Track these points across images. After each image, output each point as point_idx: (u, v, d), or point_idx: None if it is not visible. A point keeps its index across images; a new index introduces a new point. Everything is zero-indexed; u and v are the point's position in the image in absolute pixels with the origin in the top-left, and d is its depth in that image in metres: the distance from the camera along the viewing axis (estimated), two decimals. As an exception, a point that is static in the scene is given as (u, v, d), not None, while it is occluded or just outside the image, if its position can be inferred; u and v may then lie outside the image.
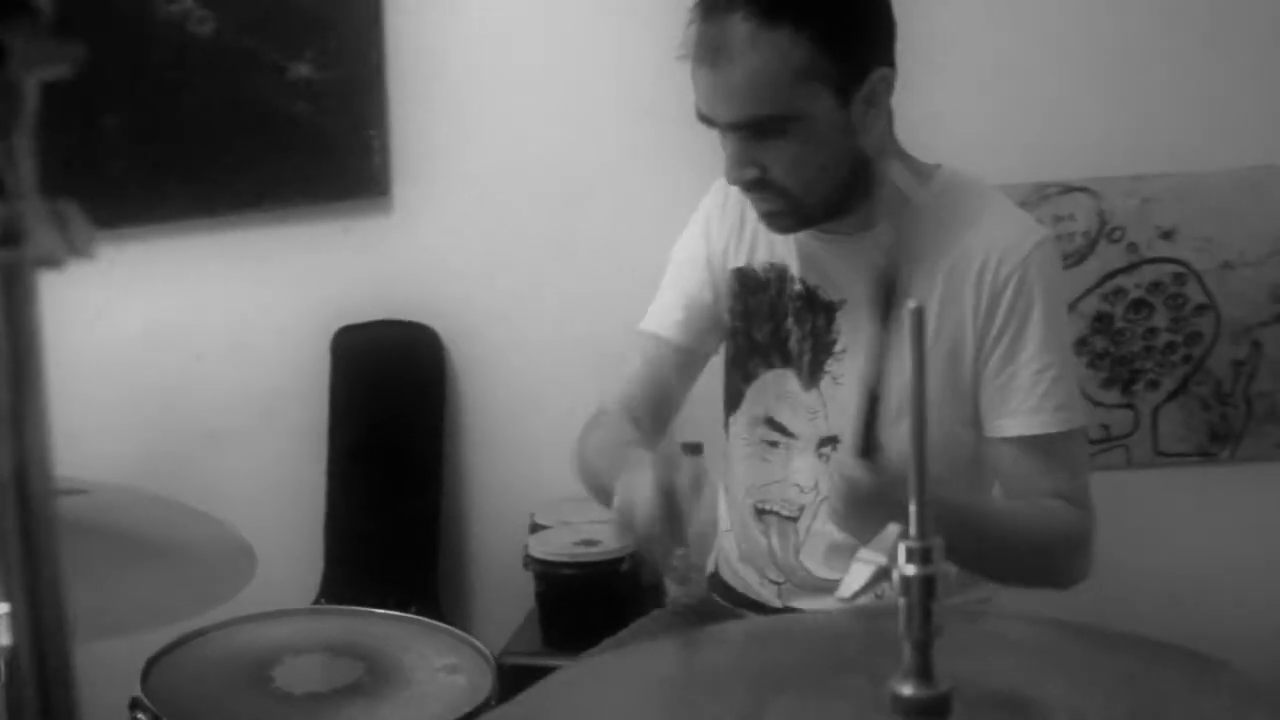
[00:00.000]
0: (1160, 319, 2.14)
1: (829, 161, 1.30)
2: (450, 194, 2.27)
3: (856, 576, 0.72)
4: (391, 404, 2.24)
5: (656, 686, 0.75)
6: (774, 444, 1.42)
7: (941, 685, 0.66)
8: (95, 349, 2.35)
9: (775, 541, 1.43)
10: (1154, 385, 2.15)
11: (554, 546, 1.92)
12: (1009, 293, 1.30)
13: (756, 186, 1.31)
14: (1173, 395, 2.14)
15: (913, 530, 0.65)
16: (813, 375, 1.39)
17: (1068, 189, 2.14)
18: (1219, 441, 2.14)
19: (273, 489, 2.24)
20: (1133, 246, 2.14)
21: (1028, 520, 1.30)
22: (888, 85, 1.30)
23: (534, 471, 2.18)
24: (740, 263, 1.45)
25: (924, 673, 0.66)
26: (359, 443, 2.24)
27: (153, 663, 1.61)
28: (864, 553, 0.76)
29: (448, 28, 2.26)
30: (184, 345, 2.36)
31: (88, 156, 2.41)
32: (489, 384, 2.26)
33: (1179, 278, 2.13)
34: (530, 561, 1.93)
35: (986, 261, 1.31)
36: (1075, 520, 1.32)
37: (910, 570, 0.65)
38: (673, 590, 2.03)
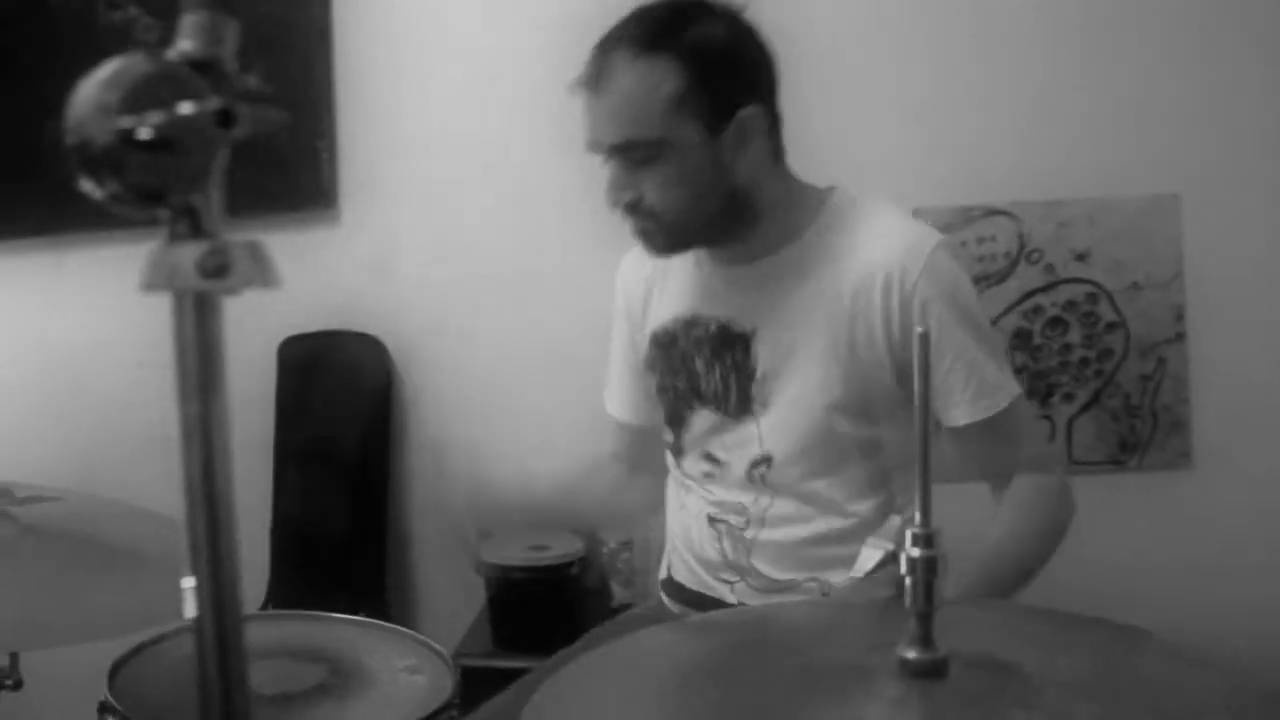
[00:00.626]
0: (1075, 335, 2.28)
1: (700, 190, 1.38)
2: (397, 206, 2.31)
3: (868, 559, 0.80)
4: (338, 412, 2.27)
5: (668, 672, 0.82)
6: (711, 475, 1.52)
7: (941, 650, 0.74)
8: (38, 355, 2.33)
9: (727, 547, 1.51)
10: (1069, 398, 2.29)
11: (506, 552, 1.98)
12: (917, 301, 1.38)
13: (631, 210, 1.40)
14: (1086, 407, 2.29)
15: (917, 517, 0.73)
16: (741, 404, 1.47)
17: (990, 212, 2.27)
18: (1128, 451, 2.28)
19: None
20: (1050, 267, 2.27)
21: (1024, 530, 1.41)
22: (758, 123, 1.39)
23: (479, 479, 2.22)
24: (654, 326, 1.55)
25: (926, 640, 0.74)
26: (306, 450, 2.26)
27: (117, 667, 1.62)
28: (872, 539, 0.84)
29: (395, 43, 2.30)
30: (126, 353, 2.35)
31: (27, 164, 2.38)
32: (435, 393, 2.30)
33: (1092, 297, 2.27)
34: (483, 566, 1.98)
35: (890, 275, 1.39)
36: (1046, 485, 1.44)
37: (915, 552, 0.73)
38: (618, 593, 2.11)
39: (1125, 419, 2.28)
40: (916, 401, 0.74)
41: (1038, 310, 2.28)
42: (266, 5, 2.32)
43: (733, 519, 1.50)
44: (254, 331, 2.30)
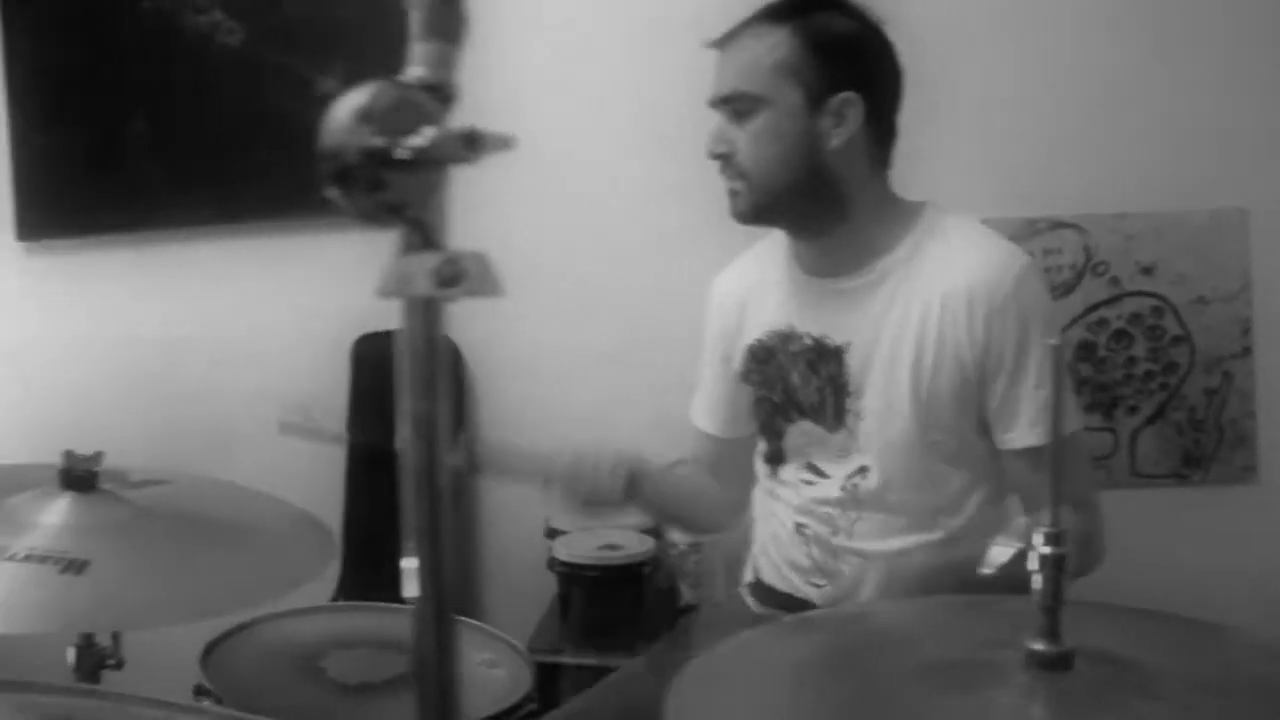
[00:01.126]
0: (1140, 349, 2.29)
1: (785, 153, 1.46)
2: (470, 209, 2.34)
3: (999, 555, 0.83)
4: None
5: (791, 668, 0.85)
6: (811, 482, 1.56)
7: (1067, 643, 0.77)
8: (117, 352, 2.39)
9: (816, 552, 1.55)
10: (1133, 410, 2.30)
11: (579, 550, 2.01)
12: (1002, 319, 1.43)
13: (724, 164, 1.49)
14: (1150, 420, 2.30)
15: (1048, 519, 0.76)
16: (837, 417, 1.52)
17: (1057, 225, 2.29)
18: (1192, 465, 2.29)
19: (290, 492, 2.28)
20: (1115, 280, 2.29)
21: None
22: (856, 111, 1.46)
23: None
24: (750, 340, 1.60)
25: (1053, 633, 0.76)
26: (377, 448, 2.30)
27: (208, 653, 1.67)
28: (1001, 538, 0.87)
29: (472, 40, 2.34)
30: (204, 350, 2.41)
31: (114, 161, 2.45)
32: (504, 393, 2.34)
33: (1157, 310, 2.28)
34: (555, 564, 2.01)
35: (977, 291, 1.43)
36: (1079, 524, 1.43)
37: (1045, 550, 0.76)
38: (686, 593, 2.14)
39: (1190, 433, 2.29)
40: (1049, 416, 0.76)
41: (1103, 323, 2.29)
42: (346, 7, 2.38)
43: (823, 527, 1.53)
44: (327, 330, 2.36)
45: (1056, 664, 0.76)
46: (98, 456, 1.45)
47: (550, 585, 2.10)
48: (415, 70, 0.58)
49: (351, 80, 2.51)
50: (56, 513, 1.41)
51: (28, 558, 1.30)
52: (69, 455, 1.43)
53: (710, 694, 0.79)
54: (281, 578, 1.46)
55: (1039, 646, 0.76)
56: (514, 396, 2.37)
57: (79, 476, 1.43)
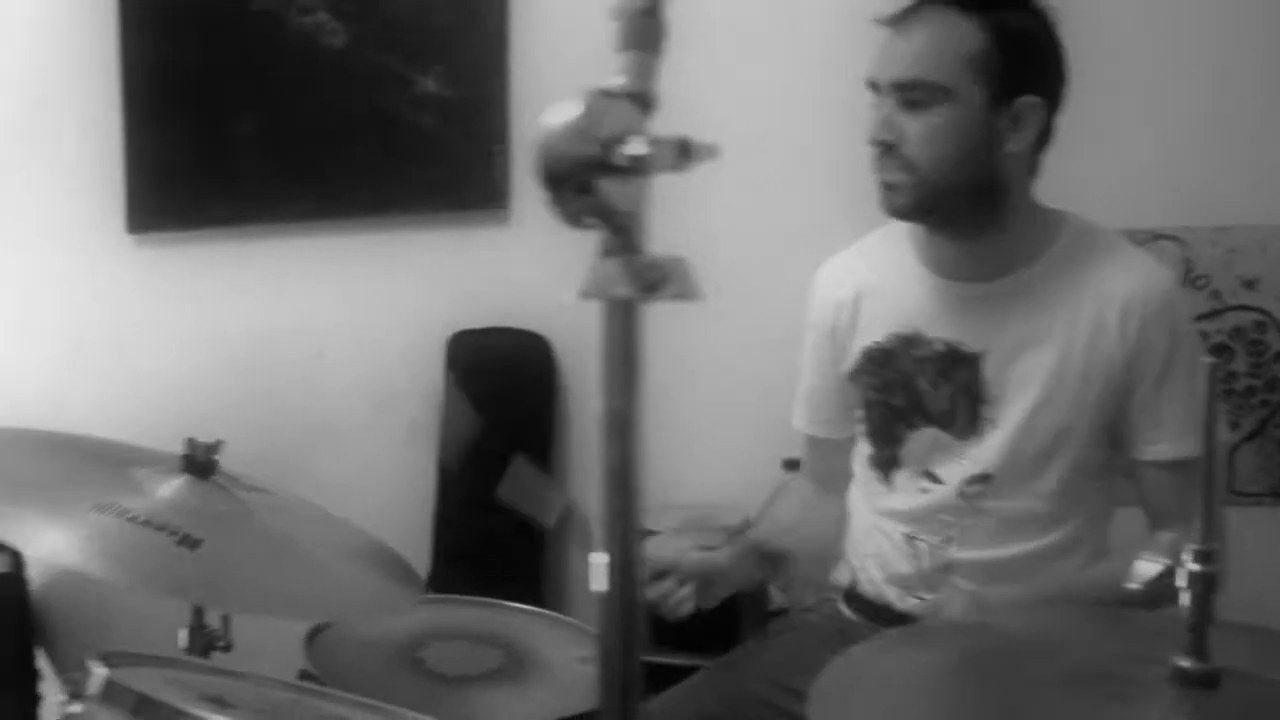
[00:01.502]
0: (1241, 364, 2.25)
1: (960, 151, 1.40)
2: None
3: (1145, 571, 0.83)
4: (503, 407, 2.34)
5: (927, 676, 0.85)
6: (926, 490, 1.53)
7: (1214, 661, 0.76)
8: (219, 341, 2.45)
9: (925, 563, 1.53)
10: (1233, 426, 2.26)
11: (671, 552, 2.02)
12: (1154, 330, 1.41)
13: (887, 152, 1.42)
14: (1250, 437, 2.26)
15: (1199, 537, 0.76)
16: (969, 425, 1.49)
17: (1156, 236, 2.26)
18: (1292, 482, 2.25)
19: (385, 484, 2.33)
20: (1216, 294, 2.25)
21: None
22: (1035, 119, 1.42)
23: (646, 478, 2.28)
24: (866, 341, 1.56)
25: (1200, 651, 0.76)
26: (470, 443, 2.34)
27: (311, 640, 1.71)
28: (1147, 554, 0.87)
29: (570, 46, 2.36)
30: (303, 342, 2.46)
31: (220, 157, 2.52)
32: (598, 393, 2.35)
33: (1260, 325, 2.24)
34: (647, 565, 2.03)
35: (1130, 305, 1.42)
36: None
37: (1194, 568, 0.76)
38: (776, 598, 2.14)
39: (1291, 450, 2.25)
40: (1204, 435, 0.76)
41: (1203, 337, 2.25)
42: (443, 8, 2.42)
43: (934, 536, 1.52)
44: (422, 325, 2.40)
45: (1204, 682, 0.76)
46: (218, 445, 1.49)
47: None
48: (618, 79, 0.60)
49: (448, 80, 2.55)
50: (175, 491, 1.45)
51: (147, 522, 1.35)
52: (192, 442, 1.47)
53: (850, 699, 0.79)
54: (361, 604, 1.50)
55: (1186, 664, 0.76)
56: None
57: (200, 463, 1.47)
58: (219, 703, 0.93)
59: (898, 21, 1.42)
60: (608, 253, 0.59)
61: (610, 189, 0.56)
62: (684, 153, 0.57)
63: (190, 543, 1.33)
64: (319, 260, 2.47)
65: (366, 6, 2.45)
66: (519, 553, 2.30)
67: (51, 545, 1.25)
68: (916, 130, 1.39)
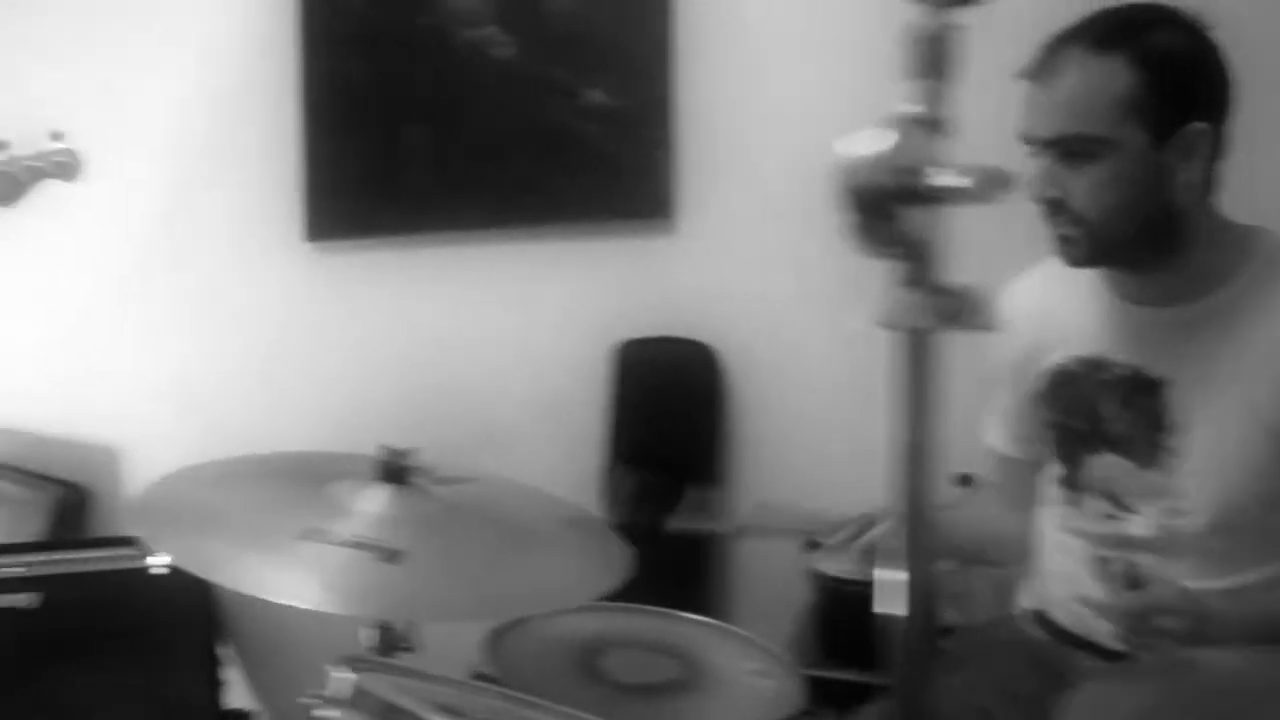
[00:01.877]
0: None
1: (1132, 199, 1.35)
2: (733, 217, 2.37)
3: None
4: (668, 417, 2.35)
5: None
6: (1114, 516, 1.49)
7: None
8: (392, 347, 2.53)
9: (1120, 587, 1.47)
10: None
11: (841, 563, 2.00)
12: None
13: (1055, 209, 1.37)
14: None
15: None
16: (1150, 454, 1.43)
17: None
18: None
19: (549, 489, 2.35)
20: None
21: None
22: (1205, 143, 1.34)
23: (806, 490, 2.26)
24: (1050, 362, 1.52)
25: None
26: (635, 453, 2.35)
27: (491, 641, 1.74)
28: None
29: (737, 55, 2.36)
30: (472, 350, 2.51)
31: (391, 168, 2.59)
32: (765, 404, 2.35)
33: None
34: (819, 577, 2.01)
35: None
36: None
37: None
38: (948, 613, 2.09)
39: None
40: None
41: None
42: (608, 20, 2.44)
43: (1124, 561, 1.47)
44: (587, 334, 2.43)
45: None
46: (412, 451, 1.53)
47: (796, 595, 2.09)
48: (910, 107, 0.59)
49: (613, 90, 2.57)
50: (374, 502, 1.49)
51: (353, 544, 1.39)
52: (386, 449, 1.52)
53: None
54: (578, 586, 1.50)
55: None
56: (776, 408, 2.38)
57: (395, 470, 1.51)
58: (452, 712, 0.95)
59: (1037, 74, 1.36)
60: (905, 282, 0.58)
61: (911, 218, 0.55)
62: (1002, 182, 0.56)
63: (391, 556, 1.37)
64: (487, 269, 2.52)
65: (534, 19, 2.49)
66: (682, 562, 2.30)
67: (267, 583, 1.29)
68: (1081, 185, 1.34)
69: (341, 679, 0.90)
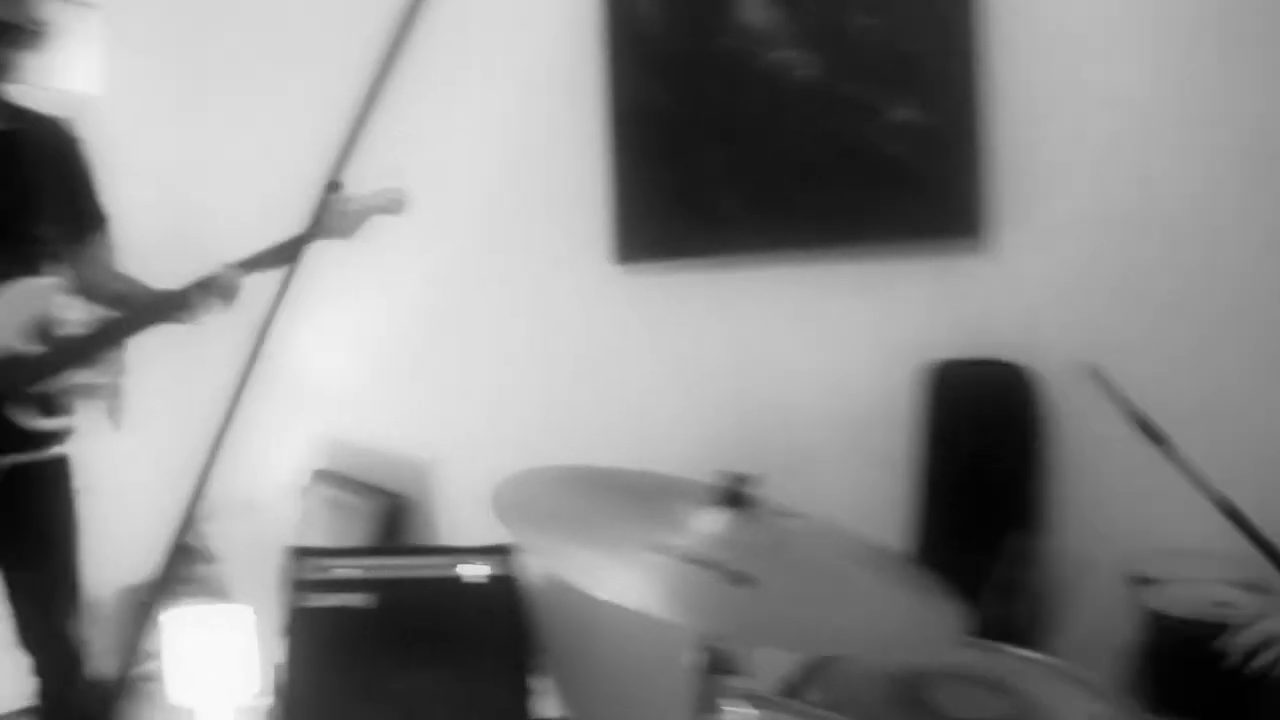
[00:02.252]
0: None
1: None
2: (1047, 237, 2.27)
3: None
4: (985, 440, 2.27)
5: None
6: None
7: None
8: (695, 368, 2.57)
9: None
10: None
11: (1187, 604, 1.87)
12: None
13: None
14: None
15: None
16: None
17: None
18: None
19: (855, 511, 2.32)
20: None
21: None
22: None
23: (1134, 521, 2.14)
24: None
25: None
26: (949, 476, 2.29)
27: (811, 668, 1.73)
28: None
29: (1051, 70, 2.26)
30: (778, 371, 2.52)
31: (696, 191, 2.64)
32: (1087, 429, 2.23)
33: None
34: (1154, 616, 1.89)
35: None
36: None
37: None
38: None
39: None
40: None
41: None
42: (912, 36, 2.39)
43: None
44: (896, 355, 2.38)
45: None
46: (752, 477, 1.55)
47: (1117, 632, 1.97)
48: None
49: (918, 107, 2.51)
50: (712, 524, 1.52)
51: (699, 560, 1.41)
52: (727, 474, 1.54)
53: None
54: (905, 636, 1.47)
55: None
56: (1099, 433, 2.26)
57: (735, 495, 1.53)
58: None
59: None
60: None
61: None
62: None
63: (740, 579, 1.39)
64: (793, 290, 2.52)
65: (836, 38, 2.47)
66: (999, 592, 2.22)
67: (617, 586, 1.34)
68: None
69: (740, 713, 0.91)
